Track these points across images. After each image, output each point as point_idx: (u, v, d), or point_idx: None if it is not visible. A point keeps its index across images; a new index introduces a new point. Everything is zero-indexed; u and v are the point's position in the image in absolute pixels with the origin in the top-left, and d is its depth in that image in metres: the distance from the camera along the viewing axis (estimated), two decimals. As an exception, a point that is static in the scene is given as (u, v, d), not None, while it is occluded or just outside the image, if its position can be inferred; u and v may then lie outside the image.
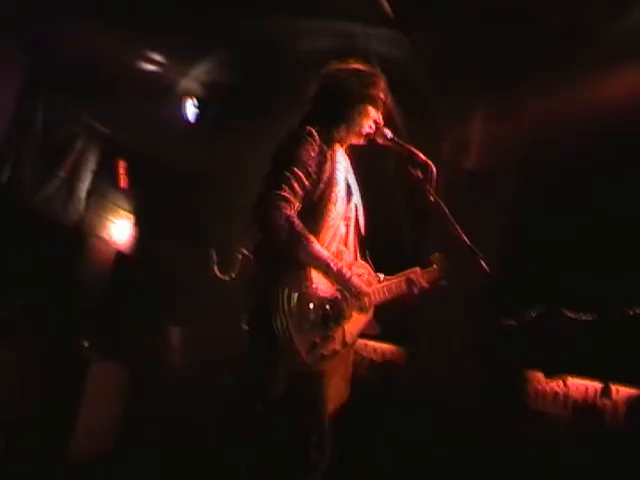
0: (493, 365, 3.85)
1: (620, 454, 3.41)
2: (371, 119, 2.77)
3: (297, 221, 2.46)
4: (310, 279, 2.50)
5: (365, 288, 2.63)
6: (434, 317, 4.04)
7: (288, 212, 2.45)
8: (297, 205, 2.52)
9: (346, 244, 2.73)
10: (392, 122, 2.93)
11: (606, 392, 3.59)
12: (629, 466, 3.37)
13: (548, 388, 3.66)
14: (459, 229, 2.54)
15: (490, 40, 3.69)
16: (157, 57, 4.84)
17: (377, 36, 3.87)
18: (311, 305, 2.49)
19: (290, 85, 2.92)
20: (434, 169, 2.66)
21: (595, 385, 3.59)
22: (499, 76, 3.82)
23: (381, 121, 2.78)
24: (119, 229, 6.21)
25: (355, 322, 2.65)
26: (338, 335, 2.57)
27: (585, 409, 3.57)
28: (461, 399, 3.70)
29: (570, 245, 3.94)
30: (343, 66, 2.80)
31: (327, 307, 2.53)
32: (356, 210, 2.79)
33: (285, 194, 2.48)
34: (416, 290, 2.77)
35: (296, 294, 2.47)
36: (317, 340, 2.52)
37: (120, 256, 6.16)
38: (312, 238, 2.49)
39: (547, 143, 3.95)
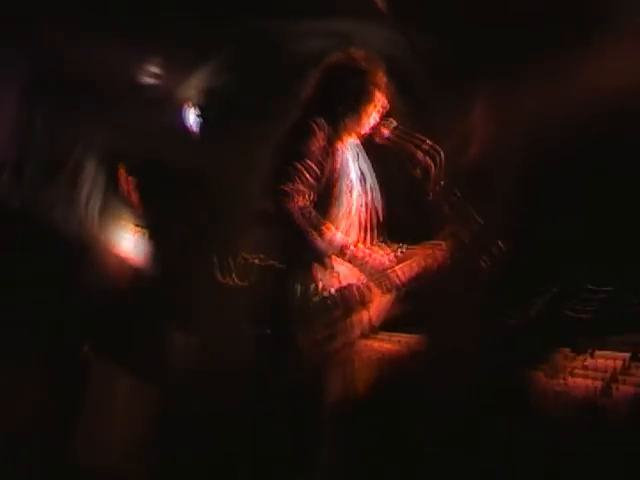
0: (495, 363, 3.84)
1: (620, 453, 3.41)
2: (376, 111, 2.81)
3: (306, 212, 2.48)
4: (315, 275, 2.52)
5: (382, 266, 2.65)
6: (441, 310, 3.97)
7: (296, 205, 2.47)
8: (308, 195, 2.54)
9: (364, 231, 2.76)
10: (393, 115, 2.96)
11: (606, 391, 3.60)
12: (629, 465, 3.37)
13: (548, 387, 3.66)
14: (471, 213, 2.55)
15: (487, 32, 3.67)
16: (156, 66, 4.87)
17: (374, 35, 3.88)
18: (318, 300, 2.51)
19: (289, 86, 2.95)
20: (442, 154, 2.70)
21: (595, 383, 3.60)
22: (498, 68, 3.80)
23: (386, 108, 2.82)
24: (122, 237, 6.23)
25: (375, 308, 2.67)
26: (350, 327, 2.59)
27: (585, 408, 3.58)
28: (461, 398, 3.71)
29: (575, 238, 3.91)
30: (347, 58, 2.84)
31: (335, 301, 2.55)
32: (371, 196, 2.82)
33: (292, 187, 2.51)
34: (434, 266, 2.81)
35: (301, 290, 2.50)
36: (325, 335, 2.54)
37: (124, 263, 6.17)
38: (325, 227, 2.51)
39: (549, 134, 3.91)
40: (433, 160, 2.74)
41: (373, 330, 2.74)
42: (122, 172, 6.26)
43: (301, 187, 2.56)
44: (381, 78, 2.85)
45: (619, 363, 3.66)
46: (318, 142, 2.65)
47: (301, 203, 2.55)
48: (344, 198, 2.72)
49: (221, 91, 5.05)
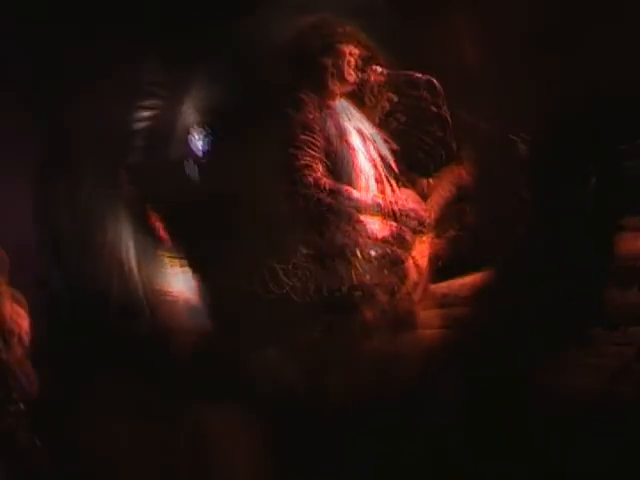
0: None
1: (621, 452, 3.42)
2: (352, 64, 2.80)
3: (324, 187, 2.48)
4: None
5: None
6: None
7: (313, 177, 2.47)
8: (321, 168, 2.55)
9: (382, 182, 2.77)
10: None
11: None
12: (630, 464, 3.38)
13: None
14: (478, 123, 2.52)
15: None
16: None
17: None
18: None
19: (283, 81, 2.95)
20: (437, 83, 2.68)
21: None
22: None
23: (362, 56, 2.80)
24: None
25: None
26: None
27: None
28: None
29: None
30: (314, 30, 2.84)
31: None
32: (377, 148, 2.83)
33: (306, 170, 2.51)
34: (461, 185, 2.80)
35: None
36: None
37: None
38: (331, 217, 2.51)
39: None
40: (431, 92, 2.75)
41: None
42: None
43: (314, 162, 2.60)
44: (348, 33, 2.86)
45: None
46: (311, 114, 2.70)
47: (315, 175, 2.60)
48: (352, 160, 2.75)
49: (219, 94, 5.04)
